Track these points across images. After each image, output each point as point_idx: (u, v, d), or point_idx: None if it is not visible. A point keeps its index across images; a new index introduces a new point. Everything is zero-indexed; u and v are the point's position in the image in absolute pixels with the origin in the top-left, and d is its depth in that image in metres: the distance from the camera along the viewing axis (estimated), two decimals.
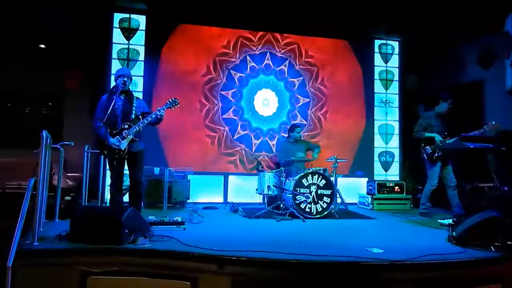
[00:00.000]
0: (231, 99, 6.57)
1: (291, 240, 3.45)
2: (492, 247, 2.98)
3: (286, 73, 6.81)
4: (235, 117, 6.57)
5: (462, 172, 4.97)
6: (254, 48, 6.72)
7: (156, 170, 5.64)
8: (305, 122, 6.77)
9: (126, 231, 2.89)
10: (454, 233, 3.31)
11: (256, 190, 5.28)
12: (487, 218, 3.18)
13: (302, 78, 6.86)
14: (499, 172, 4.54)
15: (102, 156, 4.46)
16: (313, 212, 4.80)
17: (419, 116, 5.43)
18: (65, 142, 4.15)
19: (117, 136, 3.85)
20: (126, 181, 4.23)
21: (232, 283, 2.63)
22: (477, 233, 3.14)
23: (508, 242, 2.99)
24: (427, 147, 5.00)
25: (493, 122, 4.63)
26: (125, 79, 3.92)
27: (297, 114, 6.80)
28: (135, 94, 4.21)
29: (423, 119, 5.20)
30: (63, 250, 2.77)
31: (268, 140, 6.65)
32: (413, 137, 5.25)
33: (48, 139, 3.38)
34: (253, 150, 6.57)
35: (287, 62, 6.82)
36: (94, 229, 2.89)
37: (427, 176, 5.10)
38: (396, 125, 7.06)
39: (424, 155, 5.04)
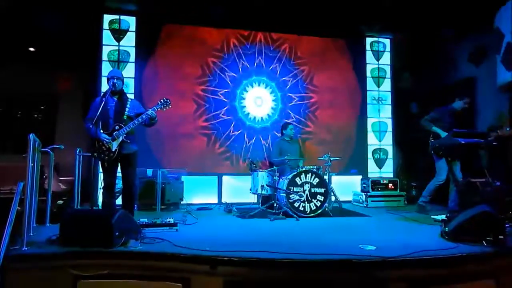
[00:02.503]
0: (224, 99, 6.55)
1: (284, 240, 3.44)
2: (484, 242, 2.98)
3: (278, 72, 6.80)
4: (228, 117, 6.55)
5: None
6: (246, 48, 6.70)
7: (149, 172, 5.61)
8: (298, 121, 6.77)
9: (117, 233, 2.86)
10: (447, 228, 3.31)
11: (250, 190, 5.26)
12: (479, 213, 3.19)
13: (294, 76, 6.85)
14: (491, 167, 4.56)
15: (96, 159, 4.41)
16: (306, 211, 4.79)
17: (412, 113, 5.44)
18: (55, 146, 4.11)
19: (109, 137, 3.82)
20: (119, 184, 4.19)
21: (224, 283, 2.60)
22: (469, 228, 3.14)
23: (500, 237, 2.99)
24: (434, 140, 4.91)
25: (508, 129, 4.56)
26: (114, 80, 3.88)
27: (290, 112, 6.79)
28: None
29: (436, 112, 5.07)
30: (52, 254, 2.73)
31: (262, 139, 6.63)
32: (420, 123, 5.10)
33: (36, 143, 3.34)
34: (247, 150, 6.54)
35: (279, 61, 6.81)
36: (84, 232, 2.86)
37: (435, 171, 5.04)
38: (389, 122, 7.08)
39: (431, 149, 4.95)
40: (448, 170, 4.88)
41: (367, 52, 7.12)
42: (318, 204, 4.85)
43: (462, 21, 5.83)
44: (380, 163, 6.98)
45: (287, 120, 6.48)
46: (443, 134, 4.83)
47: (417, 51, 6.93)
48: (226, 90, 6.57)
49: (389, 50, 7.19)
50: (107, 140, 3.78)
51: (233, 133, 6.54)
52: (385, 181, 6.23)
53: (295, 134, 6.18)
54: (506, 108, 5.55)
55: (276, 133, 6.46)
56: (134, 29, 6.08)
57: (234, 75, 6.62)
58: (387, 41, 7.19)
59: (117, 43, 6.01)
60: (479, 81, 6.16)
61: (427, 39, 6.62)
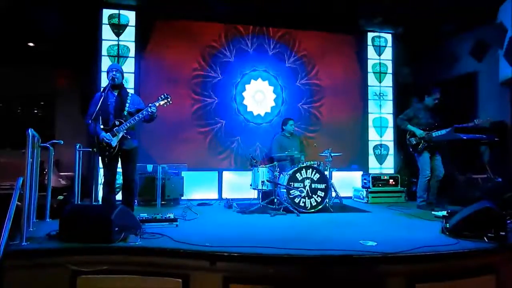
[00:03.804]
0: (223, 94, 6.50)
1: (285, 235, 3.43)
2: (485, 238, 2.97)
3: (278, 67, 6.75)
4: (227, 112, 6.51)
5: (454, 163, 4.96)
6: (246, 42, 6.65)
7: (149, 168, 5.60)
8: (299, 116, 6.74)
9: (116, 229, 2.85)
10: (447, 224, 3.30)
11: (250, 185, 5.25)
12: (480, 209, 3.17)
13: (295, 72, 6.80)
14: (492, 163, 4.54)
15: (96, 155, 4.40)
16: (307, 207, 4.79)
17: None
18: (54, 141, 4.09)
19: (108, 133, 3.81)
20: (120, 179, 4.19)
21: (224, 279, 2.60)
22: (470, 224, 3.13)
23: (501, 233, 2.98)
24: (412, 138, 5.10)
25: (480, 118, 4.60)
26: (114, 73, 3.85)
27: (291, 108, 6.75)
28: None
29: (411, 109, 5.28)
30: (51, 249, 2.73)
31: (262, 135, 6.60)
32: (396, 123, 5.31)
33: (36, 138, 3.33)
34: (247, 145, 6.52)
35: (280, 55, 6.76)
36: (83, 227, 2.86)
37: (419, 169, 5.11)
38: (390, 118, 7.04)
39: (409, 147, 5.14)
40: (432, 166, 4.97)
41: (368, 47, 7.06)
42: (319, 199, 4.85)
43: (465, 15, 5.78)
44: (381, 159, 6.96)
45: (287, 116, 6.42)
46: (418, 131, 5.00)
47: (419, 46, 6.87)
48: (225, 85, 6.52)
49: (390, 45, 7.13)
50: (107, 140, 3.76)
51: (232, 129, 6.50)
52: (386, 177, 6.21)
53: (295, 129, 6.15)
54: (507, 103, 5.52)
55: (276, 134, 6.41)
56: (133, 24, 6.02)
57: (234, 69, 6.57)
58: (388, 36, 7.13)
59: (116, 38, 5.96)
60: (481, 75, 6.12)
61: (429, 33, 6.56)
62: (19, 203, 2.85)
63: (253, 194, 5.49)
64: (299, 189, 4.77)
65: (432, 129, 4.96)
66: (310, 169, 4.89)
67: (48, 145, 3.96)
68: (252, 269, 2.61)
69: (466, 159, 4.96)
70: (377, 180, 6.13)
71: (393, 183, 6.19)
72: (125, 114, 3.90)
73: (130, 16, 6.01)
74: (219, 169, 6.33)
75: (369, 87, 7.01)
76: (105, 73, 4.05)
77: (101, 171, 4.19)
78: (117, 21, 5.98)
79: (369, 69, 7.04)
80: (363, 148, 6.94)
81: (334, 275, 2.61)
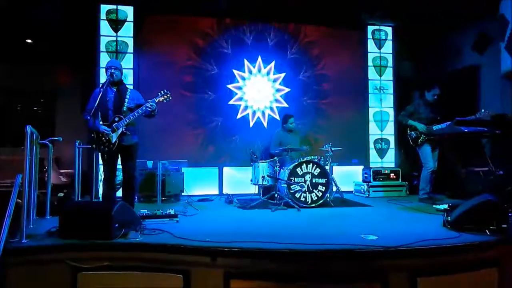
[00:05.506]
0: (224, 89, 6.47)
1: (285, 230, 3.43)
2: (487, 231, 2.96)
3: (279, 61, 6.70)
4: (228, 108, 6.48)
5: (456, 156, 4.95)
6: (247, 37, 6.61)
7: (149, 164, 5.58)
8: (300, 111, 6.70)
9: (116, 225, 2.84)
10: (449, 218, 3.29)
11: (251, 180, 5.24)
12: (482, 202, 3.16)
13: (295, 66, 6.76)
14: (494, 156, 4.51)
15: (95, 151, 4.38)
16: (308, 201, 4.78)
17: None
18: (53, 138, 4.08)
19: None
20: (120, 176, 4.18)
21: (225, 274, 2.59)
22: (472, 217, 3.12)
23: (503, 226, 2.96)
24: (412, 132, 5.15)
25: (483, 110, 4.59)
26: (112, 70, 3.83)
27: (291, 103, 6.72)
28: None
29: (412, 105, 5.34)
30: (51, 246, 2.72)
31: (261, 130, 6.57)
32: (397, 120, 5.41)
33: (34, 135, 3.31)
34: (247, 140, 6.48)
35: (280, 50, 6.71)
36: (83, 224, 2.84)
37: (422, 162, 5.11)
38: (391, 112, 7.00)
39: (410, 141, 5.19)
40: (433, 156, 5.03)
41: (368, 40, 7.00)
42: (320, 194, 4.83)
43: (467, 8, 5.72)
44: (381, 153, 6.93)
45: (288, 112, 6.37)
46: (419, 125, 5.08)
47: (420, 39, 6.81)
48: (225, 80, 6.48)
49: (391, 39, 7.07)
50: (106, 132, 3.74)
51: (233, 124, 6.48)
52: (386, 171, 6.20)
53: (296, 125, 6.11)
54: (509, 95, 5.48)
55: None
56: (131, 19, 5.96)
57: (233, 64, 6.53)
58: (389, 29, 7.07)
59: (115, 34, 5.92)
60: (483, 68, 6.08)
61: (430, 26, 6.50)
62: (19, 200, 2.84)
63: (254, 190, 5.48)
64: (299, 184, 4.76)
65: (433, 123, 4.97)
66: (311, 164, 4.87)
67: (47, 142, 3.95)
68: (253, 264, 2.60)
69: (468, 152, 4.93)
70: (378, 174, 6.13)
71: (394, 177, 6.18)
72: (125, 110, 3.88)
73: (128, 11, 5.96)
74: (219, 165, 6.32)
75: (369, 81, 6.97)
76: (104, 69, 4.02)
77: (101, 168, 4.17)
78: (115, 16, 5.92)
79: (369, 62, 6.99)
80: (363, 142, 6.91)
81: (335, 269, 2.60)
